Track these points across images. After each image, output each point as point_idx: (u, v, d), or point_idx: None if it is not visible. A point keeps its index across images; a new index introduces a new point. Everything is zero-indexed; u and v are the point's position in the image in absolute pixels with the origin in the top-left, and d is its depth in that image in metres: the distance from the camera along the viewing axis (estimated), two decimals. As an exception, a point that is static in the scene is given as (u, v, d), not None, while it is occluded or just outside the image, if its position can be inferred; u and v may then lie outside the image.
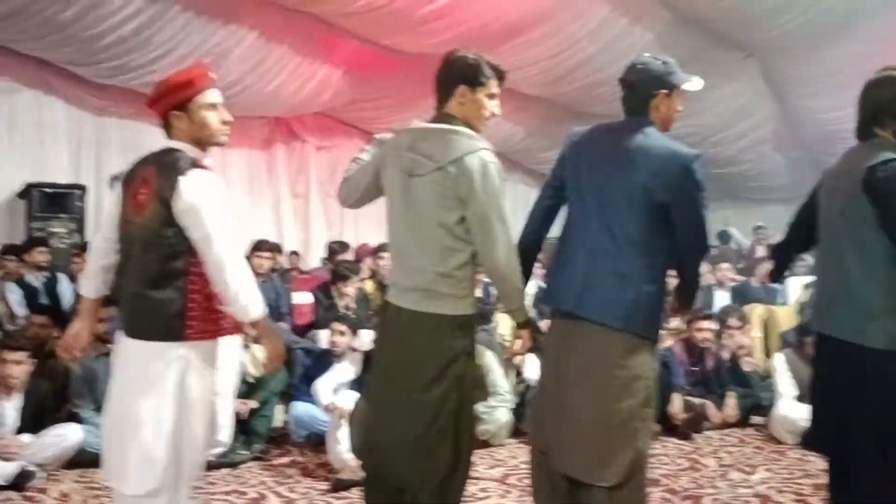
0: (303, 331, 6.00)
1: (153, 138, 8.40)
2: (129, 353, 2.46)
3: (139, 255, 2.45)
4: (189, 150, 2.49)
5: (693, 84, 2.66)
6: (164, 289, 2.39)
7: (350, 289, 5.83)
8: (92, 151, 8.71)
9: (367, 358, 4.46)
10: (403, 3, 7.55)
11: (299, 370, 5.11)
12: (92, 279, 2.67)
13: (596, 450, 2.51)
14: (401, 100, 9.78)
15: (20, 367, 3.93)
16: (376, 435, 2.69)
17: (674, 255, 2.64)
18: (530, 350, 3.32)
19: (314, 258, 9.98)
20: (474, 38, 7.10)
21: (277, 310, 5.94)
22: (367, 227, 10.12)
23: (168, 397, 2.35)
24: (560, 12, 8.07)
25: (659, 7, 8.43)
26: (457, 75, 2.67)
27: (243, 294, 2.37)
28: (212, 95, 2.53)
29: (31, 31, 7.13)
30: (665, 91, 2.60)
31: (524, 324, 2.72)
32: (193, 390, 2.38)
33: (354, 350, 4.78)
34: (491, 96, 2.68)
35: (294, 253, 9.63)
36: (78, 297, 2.85)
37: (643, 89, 2.61)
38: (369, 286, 6.40)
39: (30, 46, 7.51)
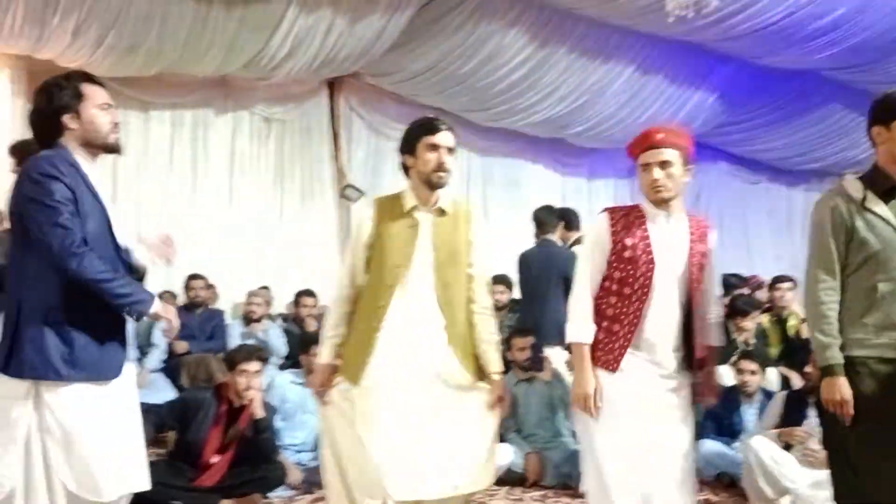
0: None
1: (530, 174, 8.92)
2: None
3: None
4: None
5: None
6: None
7: (749, 323, 5.62)
8: (479, 189, 9.51)
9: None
10: (791, 21, 7.19)
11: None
12: None
13: None
14: (770, 120, 9.31)
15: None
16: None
17: None
18: None
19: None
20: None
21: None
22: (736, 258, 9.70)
23: None
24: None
25: None
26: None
27: None
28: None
29: (436, 86, 8.05)
30: None
31: None
32: None
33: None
34: None
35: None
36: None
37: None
38: (765, 320, 6.10)
39: (432, 99, 8.46)
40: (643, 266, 2.65)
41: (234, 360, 3.94)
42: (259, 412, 3.93)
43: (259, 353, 4.11)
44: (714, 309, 2.84)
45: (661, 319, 2.66)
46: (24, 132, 6.55)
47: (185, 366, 5.48)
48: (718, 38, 7.64)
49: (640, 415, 2.62)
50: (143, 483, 2.48)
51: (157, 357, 5.69)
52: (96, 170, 2.49)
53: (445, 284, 2.75)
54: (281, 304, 7.42)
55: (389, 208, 2.85)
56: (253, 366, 3.92)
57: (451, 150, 2.79)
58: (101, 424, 2.34)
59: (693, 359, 2.73)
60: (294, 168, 8.20)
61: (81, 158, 2.43)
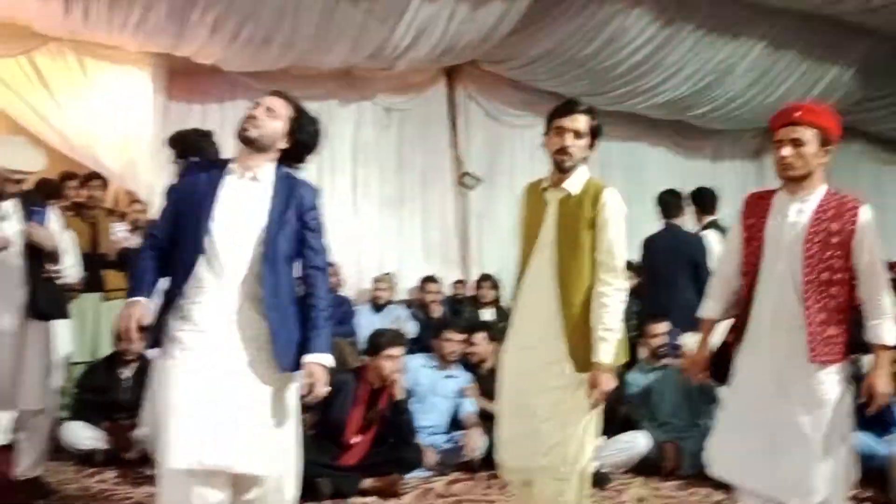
0: None
1: (650, 157, 8.72)
2: None
3: None
4: None
5: None
6: None
7: None
8: (597, 174, 9.31)
9: None
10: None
11: None
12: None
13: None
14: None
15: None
16: None
17: None
18: None
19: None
20: None
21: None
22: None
23: None
24: None
25: None
26: None
27: None
28: None
29: (554, 70, 7.95)
30: None
31: None
32: None
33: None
34: None
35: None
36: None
37: None
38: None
39: (550, 84, 8.36)
40: (753, 250, 2.72)
41: (379, 344, 4.04)
42: (400, 394, 4.03)
43: (402, 338, 4.21)
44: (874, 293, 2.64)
45: (772, 303, 2.66)
46: (164, 127, 6.96)
47: (319, 349, 5.63)
48: (858, 9, 7.20)
49: (764, 395, 2.65)
50: None
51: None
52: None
53: (564, 267, 2.78)
54: (403, 290, 7.56)
55: (533, 190, 2.96)
56: (397, 350, 4.02)
57: (578, 134, 2.80)
58: None
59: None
60: (414, 156, 8.31)
61: None
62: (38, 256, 3.62)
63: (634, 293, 6.22)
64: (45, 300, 3.65)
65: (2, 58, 6.32)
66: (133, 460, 4.32)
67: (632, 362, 5.23)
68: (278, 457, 2.63)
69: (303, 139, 2.73)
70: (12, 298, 3.56)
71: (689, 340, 4.96)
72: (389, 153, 8.18)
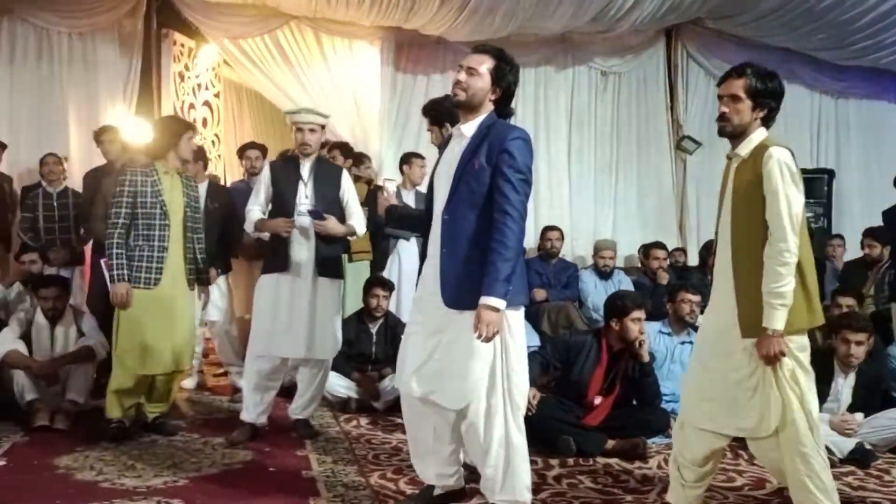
0: None
1: (892, 116, 7.94)
2: None
3: None
4: None
5: None
6: None
7: None
8: (832, 134, 8.66)
9: None
10: None
11: None
12: None
13: None
14: None
15: (860, 347, 4.06)
16: None
17: None
18: None
19: None
20: None
21: None
22: None
23: None
24: None
25: None
26: None
27: None
28: None
29: (787, 25, 7.42)
30: None
31: None
32: None
33: None
34: None
35: None
36: None
37: None
38: None
39: (780, 39, 7.82)
40: None
41: (625, 307, 4.02)
42: (645, 356, 4.00)
43: (644, 301, 4.16)
44: None
45: None
46: (391, 98, 7.27)
47: (546, 312, 5.72)
48: None
49: None
50: None
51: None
52: None
53: (737, 231, 2.75)
54: (619, 257, 7.45)
55: (728, 156, 2.92)
56: (641, 313, 3.99)
57: (734, 98, 2.74)
58: None
59: None
60: (630, 120, 8.14)
61: None
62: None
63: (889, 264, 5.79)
64: (333, 260, 4.03)
65: (250, 37, 6.90)
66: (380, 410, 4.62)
67: (890, 337, 4.87)
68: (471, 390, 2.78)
69: (505, 86, 2.83)
70: (308, 259, 3.96)
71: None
72: (605, 118, 8.06)
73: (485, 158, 2.74)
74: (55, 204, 5.47)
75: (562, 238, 6.38)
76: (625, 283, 6.12)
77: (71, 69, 6.61)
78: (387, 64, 7.22)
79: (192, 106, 7.36)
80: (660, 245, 6.42)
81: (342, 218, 4.06)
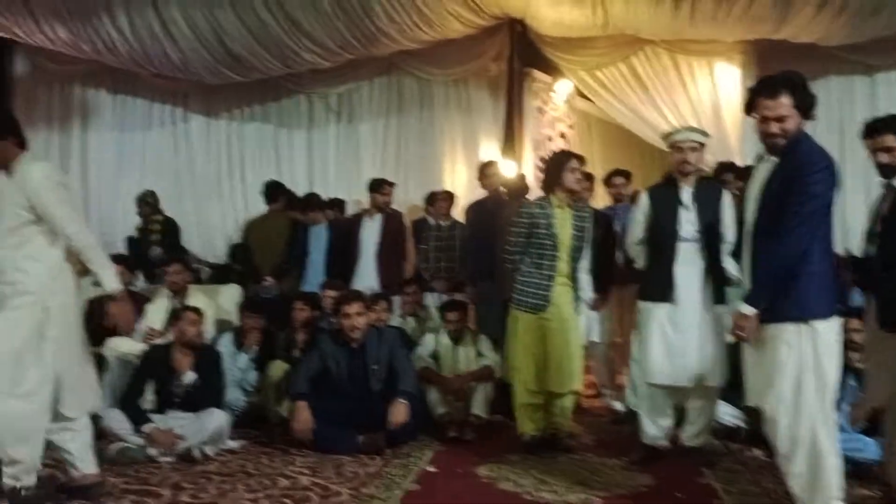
0: None
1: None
2: None
3: None
4: None
5: None
6: None
7: None
8: None
9: None
10: None
11: None
12: None
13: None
14: None
15: None
16: None
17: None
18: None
19: None
20: None
21: None
22: None
23: None
24: None
25: None
26: None
27: None
28: None
29: None
30: None
31: None
32: None
33: None
34: None
35: None
36: None
37: None
38: None
39: None
40: None
41: None
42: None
43: None
44: None
45: None
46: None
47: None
48: None
49: None
50: None
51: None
52: None
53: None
54: None
55: None
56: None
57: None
58: None
59: None
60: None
61: None
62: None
63: None
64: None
65: (606, 66, 7.06)
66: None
67: None
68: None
69: (808, 105, 2.85)
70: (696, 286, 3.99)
71: None
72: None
73: (779, 186, 2.92)
74: (444, 235, 6.06)
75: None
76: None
77: (447, 113, 7.33)
78: (750, 79, 6.90)
79: (549, 138, 7.71)
80: None
81: (719, 237, 3.99)
